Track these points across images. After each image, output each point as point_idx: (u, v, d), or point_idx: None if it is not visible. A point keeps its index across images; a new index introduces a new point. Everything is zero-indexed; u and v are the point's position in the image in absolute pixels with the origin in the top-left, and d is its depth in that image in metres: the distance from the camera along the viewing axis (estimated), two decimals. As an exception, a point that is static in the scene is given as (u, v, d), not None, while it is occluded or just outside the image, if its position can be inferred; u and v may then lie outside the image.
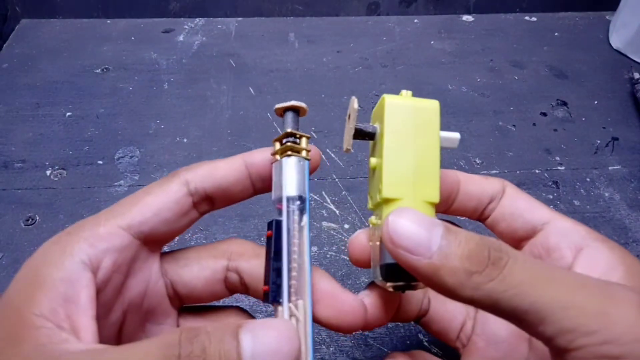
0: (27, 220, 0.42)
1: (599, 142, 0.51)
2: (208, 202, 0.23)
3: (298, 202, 0.21)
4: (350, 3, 0.68)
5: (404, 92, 0.23)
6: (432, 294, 0.26)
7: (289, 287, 0.20)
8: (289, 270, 0.20)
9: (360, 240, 0.23)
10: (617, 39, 0.63)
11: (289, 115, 0.23)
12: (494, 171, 0.48)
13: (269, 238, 0.21)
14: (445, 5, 0.69)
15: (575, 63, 0.61)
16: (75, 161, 0.48)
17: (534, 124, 0.53)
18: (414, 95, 0.23)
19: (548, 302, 0.16)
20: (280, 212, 0.21)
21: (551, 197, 0.46)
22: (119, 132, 0.51)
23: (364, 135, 0.22)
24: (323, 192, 0.45)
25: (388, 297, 0.23)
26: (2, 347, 0.17)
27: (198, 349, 0.16)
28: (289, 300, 0.20)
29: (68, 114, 0.53)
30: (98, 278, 0.20)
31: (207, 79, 0.58)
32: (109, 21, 0.66)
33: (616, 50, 0.63)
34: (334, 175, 0.47)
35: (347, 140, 0.22)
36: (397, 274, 0.20)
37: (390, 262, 0.20)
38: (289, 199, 0.21)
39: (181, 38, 0.64)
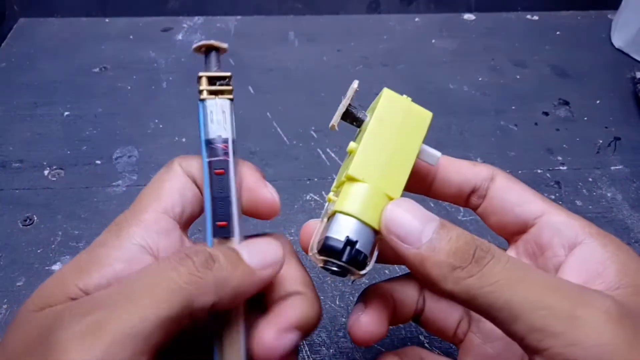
0: (25, 220, 0.42)
1: (601, 141, 0.51)
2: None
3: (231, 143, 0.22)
4: (350, 1, 0.68)
5: (404, 96, 0.23)
6: (427, 293, 0.26)
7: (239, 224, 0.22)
8: (238, 208, 0.22)
9: (311, 227, 0.23)
10: (619, 38, 0.63)
11: (214, 56, 0.22)
12: (496, 171, 0.47)
13: (219, 176, 0.21)
14: (447, 4, 0.68)
15: (577, 62, 0.61)
16: (73, 161, 0.47)
17: (536, 124, 0.53)
18: (415, 99, 0.23)
19: (521, 301, 0.17)
20: (213, 150, 0.21)
21: (553, 197, 0.45)
22: (117, 132, 0.50)
23: (353, 119, 0.23)
24: (323, 192, 0.45)
25: (382, 306, 0.23)
26: (41, 326, 0.18)
27: (204, 253, 0.19)
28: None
29: (66, 113, 0.52)
30: None
31: (207, 78, 0.57)
32: (107, 20, 0.66)
33: (618, 50, 0.63)
34: (334, 175, 0.46)
35: (336, 117, 0.23)
36: (332, 252, 0.20)
37: (331, 236, 0.20)
38: (233, 141, 0.22)
39: (180, 37, 0.63)
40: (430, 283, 0.19)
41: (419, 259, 0.19)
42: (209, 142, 0.21)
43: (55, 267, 0.39)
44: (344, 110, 0.22)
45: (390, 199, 0.21)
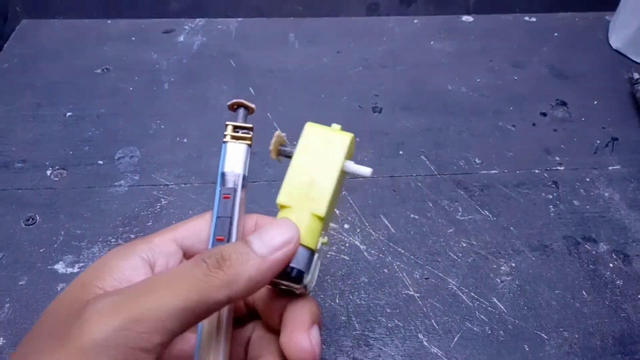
0: (28, 220, 0.43)
1: (598, 142, 0.51)
2: None
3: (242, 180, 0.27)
4: (350, 3, 0.68)
5: (334, 125, 0.26)
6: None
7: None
8: (237, 232, 0.25)
9: None
10: (617, 39, 0.63)
11: (242, 112, 0.27)
12: (494, 171, 0.48)
13: (225, 200, 0.25)
14: (445, 6, 0.69)
15: (575, 63, 0.61)
16: (76, 161, 0.48)
17: (534, 124, 0.53)
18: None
19: None
20: (225, 181, 0.26)
21: (551, 197, 0.46)
22: (119, 132, 0.51)
23: (285, 155, 0.26)
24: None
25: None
26: (69, 313, 0.20)
27: (218, 254, 0.21)
28: None
29: (68, 114, 0.53)
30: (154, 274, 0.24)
31: (208, 79, 0.58)
32: (109, 21, 0.66)
33: (616, 51, 0.63)
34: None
35: (272, 154, 0.26)
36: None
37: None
38: (243, 177, 0.26)
39: (181, 38, 0.64)
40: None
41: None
42: (223, 175, 0.26)
43: (58, 266, 0.39)
44: (273, 153, 0.25)
45: (317, 217, 0.24)
